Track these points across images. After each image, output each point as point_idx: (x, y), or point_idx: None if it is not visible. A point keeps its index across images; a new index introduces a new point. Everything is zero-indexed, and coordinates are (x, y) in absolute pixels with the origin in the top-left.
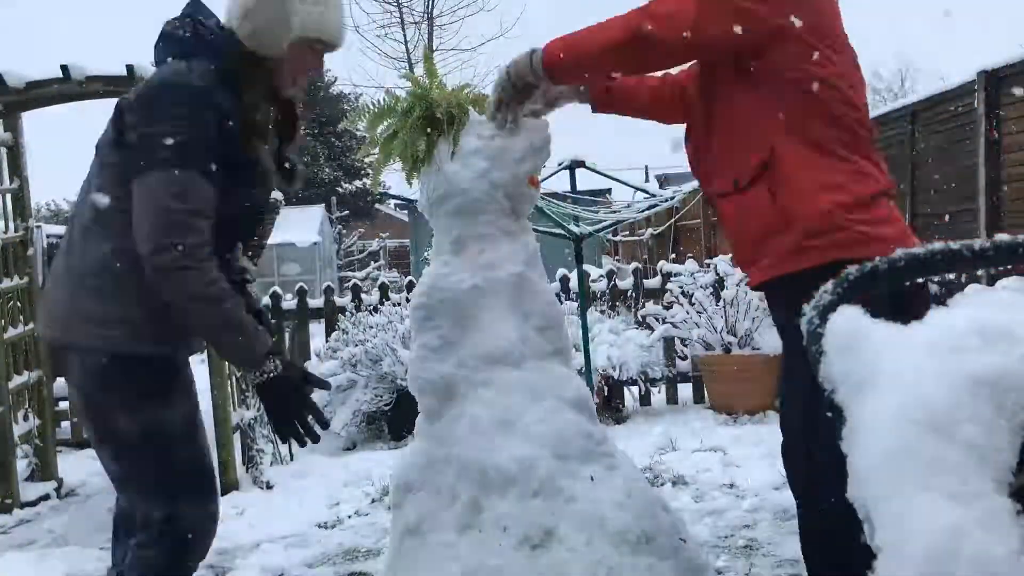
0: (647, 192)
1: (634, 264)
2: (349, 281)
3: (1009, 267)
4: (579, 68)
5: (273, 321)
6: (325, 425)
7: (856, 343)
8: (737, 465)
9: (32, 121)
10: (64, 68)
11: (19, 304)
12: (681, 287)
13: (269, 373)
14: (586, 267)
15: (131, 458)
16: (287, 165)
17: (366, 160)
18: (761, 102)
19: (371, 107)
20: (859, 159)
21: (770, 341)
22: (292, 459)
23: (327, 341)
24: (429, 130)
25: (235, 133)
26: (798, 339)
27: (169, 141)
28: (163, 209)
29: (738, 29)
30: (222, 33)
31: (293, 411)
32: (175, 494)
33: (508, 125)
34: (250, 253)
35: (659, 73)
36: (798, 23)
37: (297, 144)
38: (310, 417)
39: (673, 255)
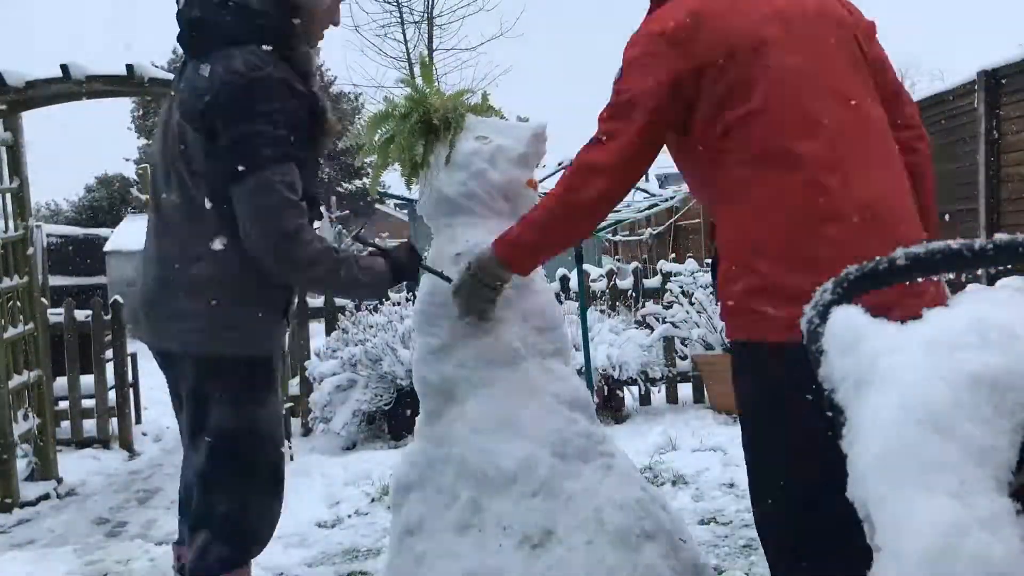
0: (647, 192)
1: (634, 264)
2: None
3: (1009, 267)
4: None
5: None
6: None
7: (856, 342)
8: (737, 465)
9: (32, 121)
10: (64, 68)
11: (19, 304)
12: (681, 287)
13: (406, 271)
14: (586, 267)
15: (220, 454)
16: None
17: (366, 161)
18: (695, 168)
19: (370, 119)
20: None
21: None
22: (292, 459)
23: (327, 340)
24: (427, 134)
25: (316, 115)
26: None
27: (268, 138)
28: (278, 206)
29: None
30: (267, 8)
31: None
32: (248, 492)
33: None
34: None
35: None
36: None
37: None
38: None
39: (673, 255)
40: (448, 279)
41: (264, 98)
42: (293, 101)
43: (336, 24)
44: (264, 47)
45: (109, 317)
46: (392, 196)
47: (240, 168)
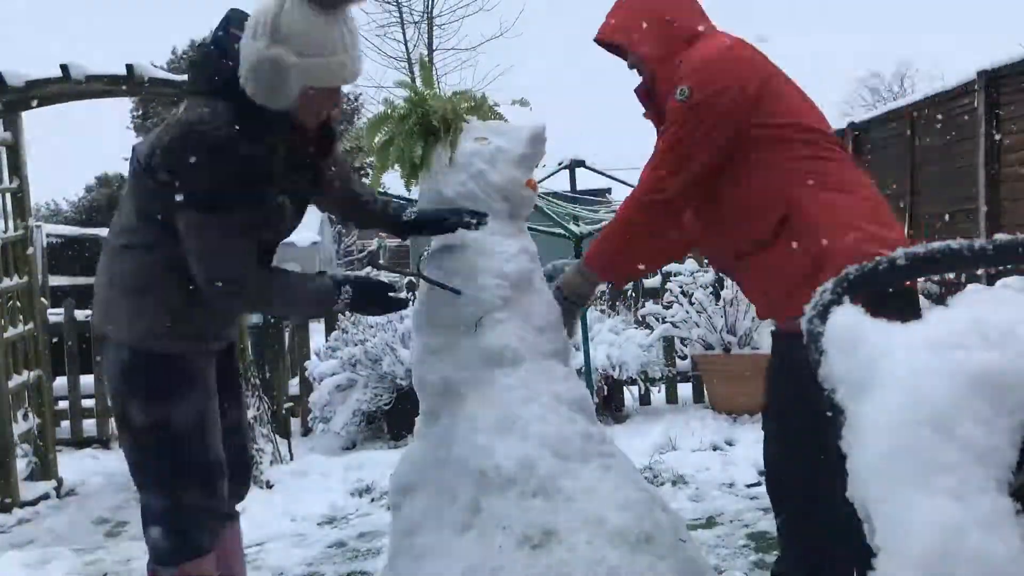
0: None
1: None
2: None
3: (1009, 267)
4: (622, 266)
5: (272, 320)
6: (403, 305)
7: (856, 342)
8: (737, 464)
9: (32, 121)
10: (64, 68)
11: (19, 304)
12: (681, 286)
13: (347, 300)
14: None
15: (140, 449)
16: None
17: (365, 162)
18: (764, 169)
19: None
20: (856, 180)
21: (769, 341)
22: (292, 458)
23: (327, 340)
24: (426, 136)
25: (259, 176)
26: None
27: (195, 189)
28: (206, 250)
29: (703, 158)
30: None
31: (378, 306)
32: (176, 488)
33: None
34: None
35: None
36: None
37: (331, 159)
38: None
39: None
40: (451, 289)
41: (195, 153)
42: (227, 163)
43: (330, 113)
44: (236, 108)
45: None
46: (393, 196)
47: (176, 203)
